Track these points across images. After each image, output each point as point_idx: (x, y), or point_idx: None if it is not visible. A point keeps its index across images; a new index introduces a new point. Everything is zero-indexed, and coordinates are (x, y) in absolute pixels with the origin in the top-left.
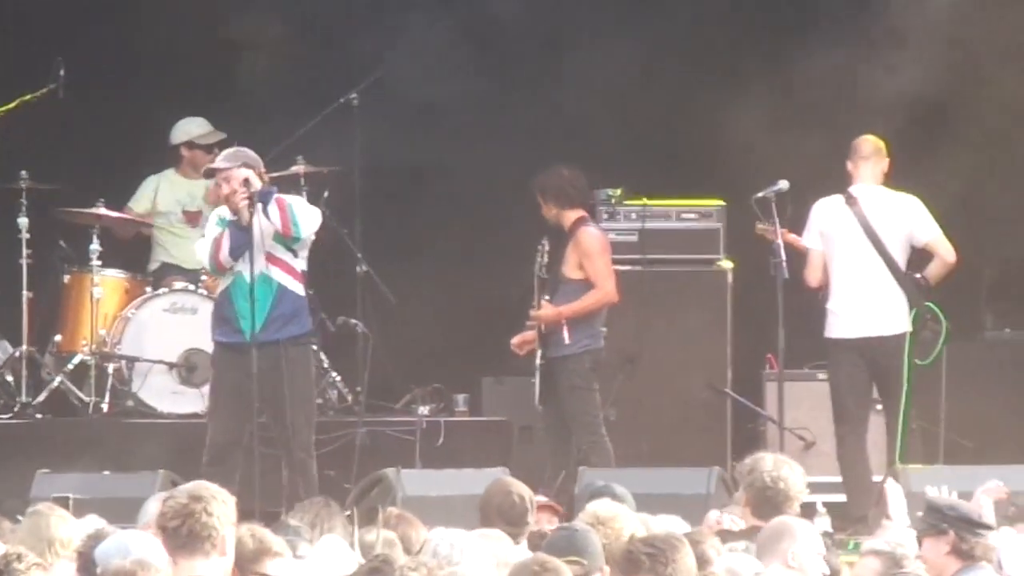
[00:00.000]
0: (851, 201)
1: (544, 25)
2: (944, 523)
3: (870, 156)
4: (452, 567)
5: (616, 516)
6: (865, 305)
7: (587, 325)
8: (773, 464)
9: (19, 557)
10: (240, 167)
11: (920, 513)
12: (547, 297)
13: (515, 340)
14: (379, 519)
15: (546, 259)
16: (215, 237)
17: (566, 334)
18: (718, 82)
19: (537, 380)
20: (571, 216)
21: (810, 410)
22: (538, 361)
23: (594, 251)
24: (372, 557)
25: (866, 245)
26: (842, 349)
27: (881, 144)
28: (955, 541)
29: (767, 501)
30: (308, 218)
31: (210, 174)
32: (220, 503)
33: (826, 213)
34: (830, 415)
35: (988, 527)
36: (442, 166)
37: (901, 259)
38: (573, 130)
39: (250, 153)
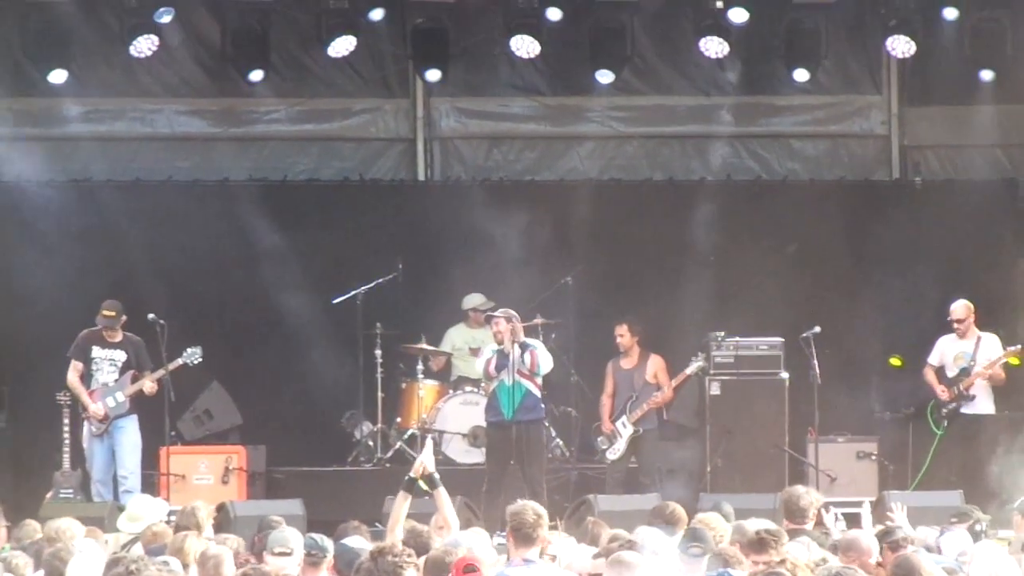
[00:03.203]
0: None
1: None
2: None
3: None
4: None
5: (711, 520)
6: None
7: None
8: (793, 490)
9: (394, 551)
10: (505, 319)
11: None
12: (633, 395)
13: (606, 429)
14: (585, 524)
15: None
16: (487, 358)
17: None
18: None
19: (624, 445)
20: (639, 347)
21: (832, 459)
22: (631, 434)
23: (664, 368)
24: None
25: None
26: None
27: None
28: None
29: (787, 508)
30: (546, 366)
31: (490, 319)
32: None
33: None
34: (848, 463)
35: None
36: (624, 312)
37: None
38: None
39: (512, 312)
